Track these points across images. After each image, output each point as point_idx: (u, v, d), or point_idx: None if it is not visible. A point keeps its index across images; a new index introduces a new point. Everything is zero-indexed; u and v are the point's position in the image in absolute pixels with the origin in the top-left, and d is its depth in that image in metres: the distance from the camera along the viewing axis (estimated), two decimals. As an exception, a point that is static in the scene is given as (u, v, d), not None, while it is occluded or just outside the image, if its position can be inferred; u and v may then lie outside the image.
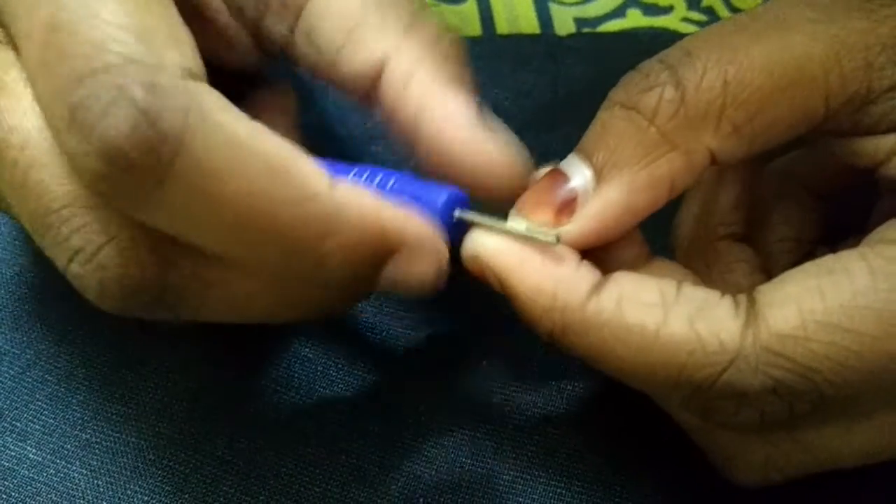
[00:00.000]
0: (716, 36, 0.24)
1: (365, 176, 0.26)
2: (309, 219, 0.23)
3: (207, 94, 0.22)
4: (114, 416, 0.30)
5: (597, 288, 0.24)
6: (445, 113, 0.25)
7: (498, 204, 0.26)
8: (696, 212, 0.30)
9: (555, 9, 0.42)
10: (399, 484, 0.29)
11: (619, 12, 0.42)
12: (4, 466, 0.29)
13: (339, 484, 0.29)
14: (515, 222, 0.25)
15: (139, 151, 0.21)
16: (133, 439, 0.29)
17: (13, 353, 0.32)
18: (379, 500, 0.28)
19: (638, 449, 0.29)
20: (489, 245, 0.25)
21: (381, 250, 0.24)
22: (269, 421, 0.30)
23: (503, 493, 0.28)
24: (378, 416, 0.30)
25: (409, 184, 0.26)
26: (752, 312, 0.23)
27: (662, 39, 0.40)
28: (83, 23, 0.22)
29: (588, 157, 0.25)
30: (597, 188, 0.24)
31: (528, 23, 0.42)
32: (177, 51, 0.22)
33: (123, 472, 0.29)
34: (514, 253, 0.24)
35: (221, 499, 0.28)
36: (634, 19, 0.42)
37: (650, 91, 0.24)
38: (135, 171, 0.21)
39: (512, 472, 0.29)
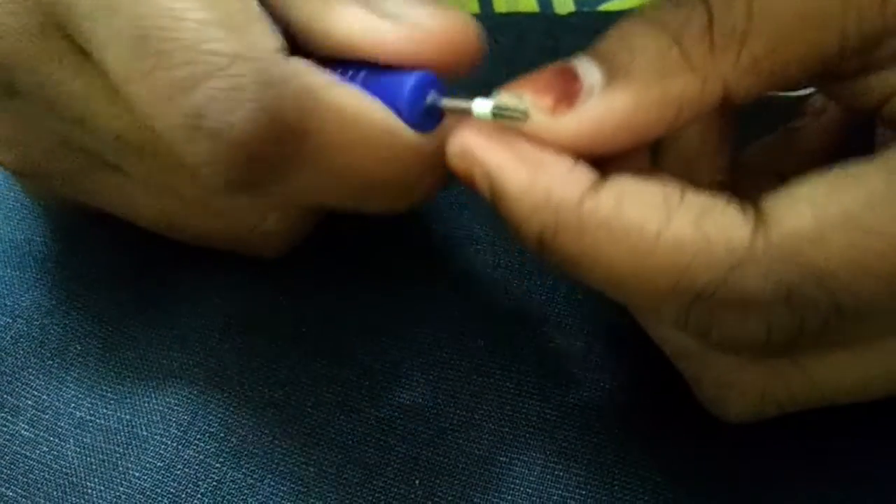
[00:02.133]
0: None
1: (338, 72, 0.25)
2: (414, 167, 0.24)
3: (310, 72, 0.23)
4: (108, 394, 0.29)
5: (594, 187, 0.22)
6: (339, 33, 0.24)
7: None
8: (677, 157, 0.28)
9: (554, -13, 0.41)
10: (395, 466, 0.28)
11: (620, -9, 0.41)
12: (-3, 442, 0.29)
13: (334, 465, 0.28)
14: (483, 103, 0.22)
15: (269, 146, 0.22)
16: (127, 416, 0.29)
17: (4, 321, 0.31)
18: (375, 482, 0.27)
19: (638, 432, 0.28)
20: (477, 140, 0.23)
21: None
22: (263, 400, 0.29)
23: (500, 475, 0.27)
24: (372, 397, 0.29)
25: (377, 77, 0.24)
26: (760, 217, 0.21)
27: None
28: (172, 28, 0.21)
29: (601, 61, 0.23)
30: (604, 90, 0.22)
31: (527, 1, 0.40)
32: (267, 33, 0.22)
33: (116, 449, 0.28)
34: (505, 148, 0.22)
35: (214, 475, 0.28)
36: (635, -2, 0.41)
37: (679, 10, 0.22)
38: (266, 164, 0.22)
39: (509, 454, 0.28)
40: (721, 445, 0.27)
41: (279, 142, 0.22)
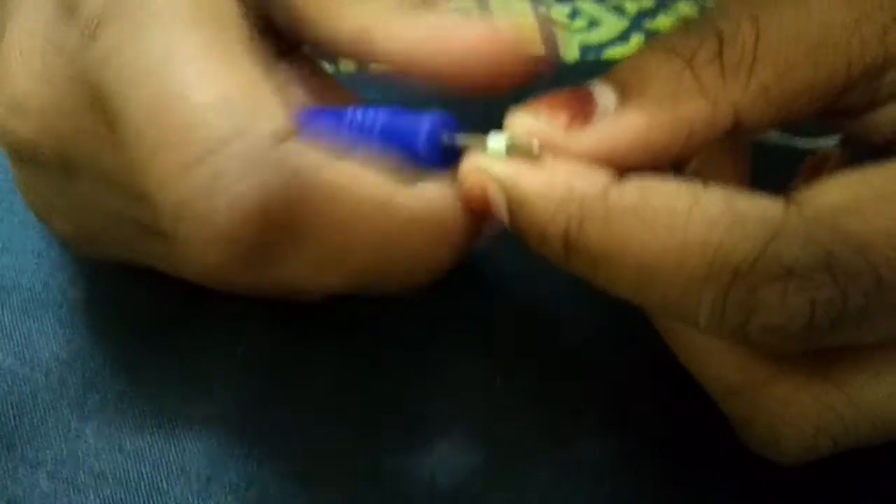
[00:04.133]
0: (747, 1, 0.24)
1: (357, 120, 0.25)
2: (419, 240, 0.23)
3: (302, 154, 0.22)
4: (127, 446, 0.29)
5: (616, 181, 0.22)
6: (394, 43, 0.24)
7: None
8: None
9: (560, 34, 0.41)
10: (420, 491, 0.27)
11: (622, 38, 0.41)
12: (17, 495, 0.28)
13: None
14: (497, 137, 0.23)
15: (255, 231, 0.21)
16: (147, 469, 0.28)
17: (23, 373, 0.30)
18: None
19: (665, 462, 0.28)
20: (490, 159, 0.23)
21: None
22: (282, 450, 0.28)
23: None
24: (394, 444, 0.29)
25: (395, 119, 0.25)
26: (790, 199, 0.21)
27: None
28: (175, 108, 0.21)
29: (615, 84, 0.23)
30: (618, 108, 0.23)
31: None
32: (268, 113, 0.22)
33: (136, 502, 0.28)
34: (518, 160, 0.22)
35: (234, 529, 0.27)
36: (637, 45, 0.41)
37: (691, 37, 0.23)
38: (253, 249, 0.22)
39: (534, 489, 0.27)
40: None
41: (265, 225, 0.21)
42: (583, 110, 0.23)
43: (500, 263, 0.32)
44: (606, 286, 0.22)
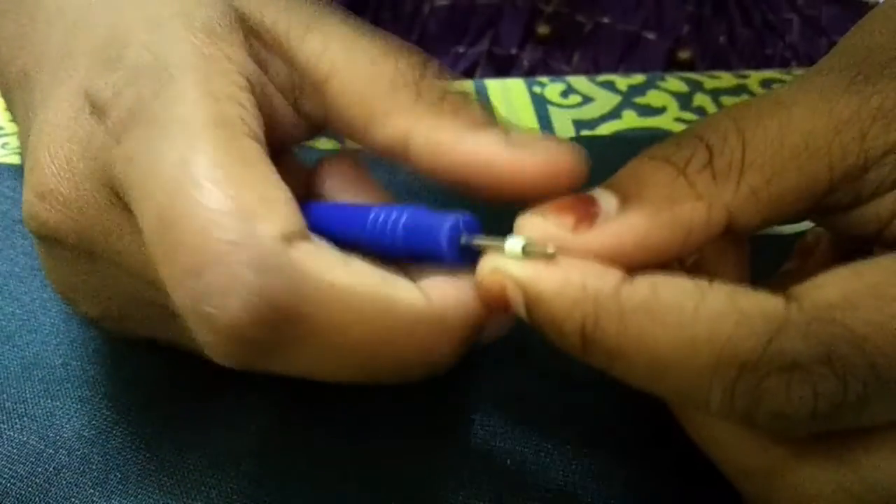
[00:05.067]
0: (732, 112, 0.25)
1: (381, 218, 0.26)
2: (422, 339, 0.24)
3: (310, 256, 0.23)
4: (149, 524, 0.29)
5: (626, 279, 0.23)
6: (476, 154, 0.25)
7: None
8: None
9: (554, 112, 0.42)
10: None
11: (614, 114, 0.43)
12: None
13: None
14: (514, 241, 0.24)
15: (262, 330, 0.22)
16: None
17: (47, 452, 0.31)
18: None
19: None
20: (506, 259, 0.24)
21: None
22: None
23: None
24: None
25: (417, 219, 0.26)
26: (789, 295, 0.22)
27: (657, 139, 0.40)
28: (189, 216, 0.23)
29: (615, 190, 0.25)
30: (620, 212, 0.24)
31: (530, 126, 0.42)
32: (276, 217, 0.23)
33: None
34: (533, 261, 0.24)
35: None
36: (629, 120, 0.42)
37: (682, 149, 0.25)
38: (259, 345, 0.23)
39: None
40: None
41: (272, 326, 0.22)
42: (588, 213, 0.24)
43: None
44: (622, 377, 0.24)
